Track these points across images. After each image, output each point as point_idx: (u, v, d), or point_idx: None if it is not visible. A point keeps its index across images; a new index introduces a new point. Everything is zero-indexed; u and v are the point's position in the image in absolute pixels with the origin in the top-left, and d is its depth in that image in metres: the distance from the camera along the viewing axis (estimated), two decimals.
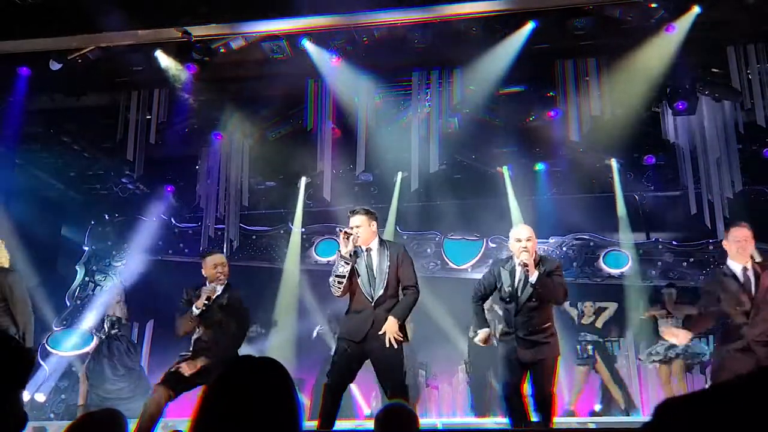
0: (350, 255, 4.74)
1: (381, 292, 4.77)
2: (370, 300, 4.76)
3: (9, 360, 1.67)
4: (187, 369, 4.95)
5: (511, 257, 5.15)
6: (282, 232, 11.41)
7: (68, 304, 10.69)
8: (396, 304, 4.83)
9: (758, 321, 4.73)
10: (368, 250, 4.89)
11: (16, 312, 5.48)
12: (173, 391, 4.94)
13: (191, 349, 5.21)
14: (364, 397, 9.56)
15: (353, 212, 4.94)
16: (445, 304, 10.19)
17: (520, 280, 4.95)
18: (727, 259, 5.06)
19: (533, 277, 4.83)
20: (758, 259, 5.01)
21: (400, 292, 4.93)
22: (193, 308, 5.10)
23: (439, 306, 10.16)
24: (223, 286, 5.27)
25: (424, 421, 4.87)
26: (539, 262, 4.94)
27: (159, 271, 10.41)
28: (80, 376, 8.80)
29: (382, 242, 4.98)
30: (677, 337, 5.18)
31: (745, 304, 4.78)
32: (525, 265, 4.84)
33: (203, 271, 5.30)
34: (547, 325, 4.95)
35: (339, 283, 4.74)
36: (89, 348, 9.33)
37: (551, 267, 4.98)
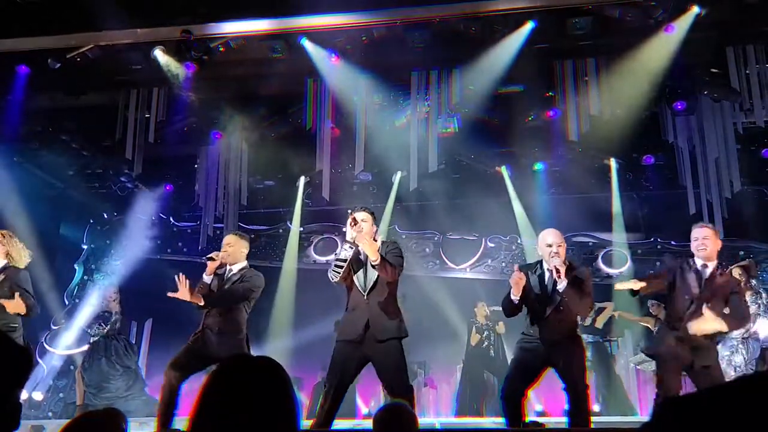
0: (354, 241, 4.74)
1: (373, 280, 4.77)
2: (363, 292, 4.76)
3: (7, 360, 1.67)
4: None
5: (539, 262, 5.04)
6: (281, 231, 11.41)
7: (67, 302, 10.69)
8: (393, 299, 4.84)
9: (694, 317, 4.73)
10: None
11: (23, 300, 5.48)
12: (180, 372, 5.02)
13: (204, 322, 5.27)
14: (363, 396, 9.57)
15: (361, 208, 4.96)
16: (443, 303, 10.20)
17: (548, 285, 4.88)
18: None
19: (561, 285, 4.74)
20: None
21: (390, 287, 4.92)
22: (203, 276, 5.22)
23: (437, 305, 10.17)
24: (238, 267, 5.39)
25: (422, 421, 4.87)
26: (569, 267, 4.84)
27: (157, 270, 10.40)
28: (76, 375, 8.77)
29: (377, 240, 5.00)
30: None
31: (689, 298, 4.82)
32: (557, 270, 4.73)
33: None
34: (572, 332, 4.89)
35: (338, 266, 4.72)
36: (84, 347, 9.30)
37: (582, 275, 4.90)
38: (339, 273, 4.72)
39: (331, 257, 10.74)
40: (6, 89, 8.13)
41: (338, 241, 11.00)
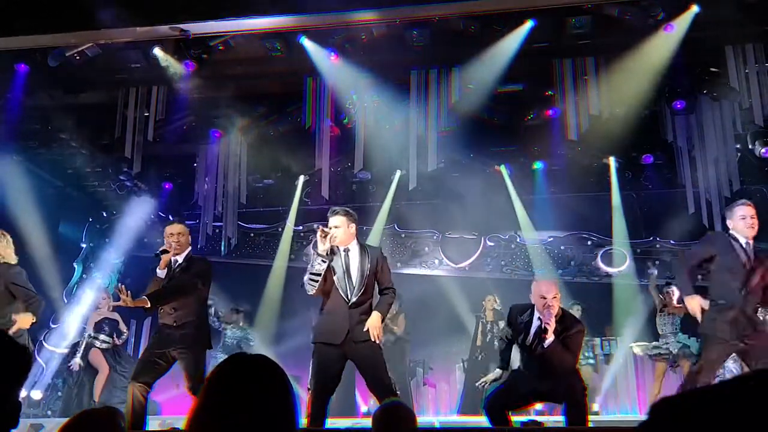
0: (327, 253, 4.71)
1: (359, 293, 4.73)
2: (347, 300, 4.71)
3: (7, 358, 1.67)
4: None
5: (529, 307, 5.02)
6: (280, 229, 11.40)
7: (66, 301, 10.68)
8: (375, 304, 4.84)
9: (752, 292, 4.69)
10: (346, 250, 4.84)
11: (22, 301, 5.46)
12: (144, 384, 4.96)
13: (159, 321, 5.22)
14: (362, 394, 9.57)
15: (334, 212, 4.90)
16: (442, 302, 10.20)
17: (534, 335, 4.87)
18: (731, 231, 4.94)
19: (548, 341, 4.73)
20: None
21: (376, 294, 4.92)
22: (157, 271, 5.16)
23: (436, 304, 10.17)
24: (183, 256, 5.29)
25: (421, 420, 4.87)
26: (560, 320, 4.83)
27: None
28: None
29: (361, 245, 4.95)
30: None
31: (742, 274, 4.74)
32: (545, 330, 4.72)
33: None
34: (567, 370, 4.84)
35: (313, 281, 4.67)
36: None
37: (571, 329, 4.86)
38: (315, 286, 4.68)
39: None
40: (5, 87, 8.13)
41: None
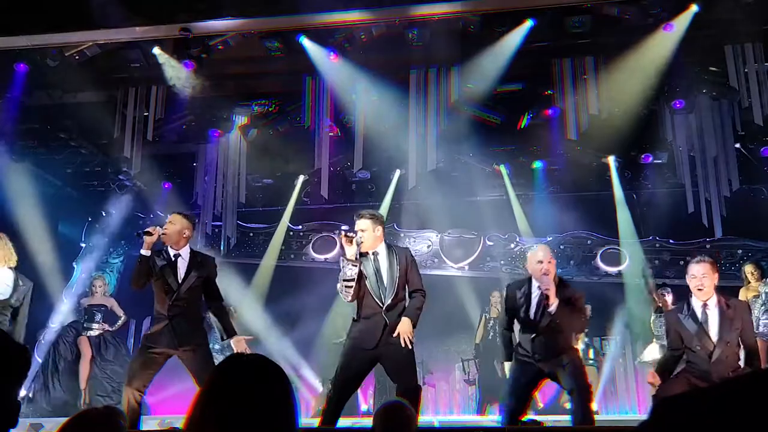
0: (356, 257, 4.68)
1: (392, 296, 4.71)
2: (381, 305, 4.69)
3: (5, 358, 1.67)
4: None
5: (526, 280, 5.02)
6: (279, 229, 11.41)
7: (65, 300, 10.67)
8: (405, 307, 4.80)
9: (720, 360, 4.52)
10: (375, 254, 4.81)
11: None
12: (139, 387, 4.90)
13: (166, 316, 5.07)
14: (363, 393, 9.57)
15: (359, 215, 4.85)
16: (442, 302, 10.19)
17: (537, 304, 4.84)
18: (691, 295, 4.78)
19: (553, 306, 4.70)
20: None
21: (407, 296, 4.88)
22: (141, 251, 5.01)
23: (436, 304, 10.15)
24: (186, 252, 5.17)
25: (421, 419, 4.87)
26: (559, 284, 4.82)
27: None
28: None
29: (389, 246, 4.92)
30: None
31: (707, 345, 4.56)
32: (546, 296, 4.70)
33: None
34: (567, 347, 4.83)
35: (348, 287, 4.64)
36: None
37: (572, 293, 4.85)
38: (350, 292, 4.66)
39: (329, 256, 10.79)
40: (4, 87, 8.12)
41: (337, 240, 10.99)
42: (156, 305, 5.10)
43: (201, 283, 5.12)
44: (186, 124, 9.56)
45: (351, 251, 4.66)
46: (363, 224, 4.78)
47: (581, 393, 4.66)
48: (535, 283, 4.89)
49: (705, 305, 4.63)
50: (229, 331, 5.15)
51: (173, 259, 5.10)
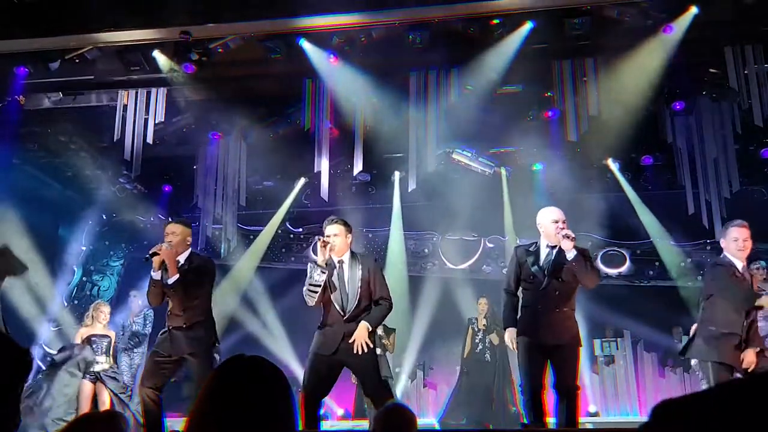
0: (326, 264, 4.69)
1: (354, 305, 4.72)
2: (342, 314, 4.71)
3: (7, 360, 1.66)
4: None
5: (533, 243, 5.06)
6: (279, 232, 11.40)
7: (65, 304, 10.67)
8: (369, 312, 4.80)
9: (753, 318, 4.75)
10: (340, 262, 4.83)
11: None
12: (154, 386, 4.95)
13: (166, 326, 5.16)
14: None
15: (331, 221, 4.87)
16: (442, 304, 10.20)
17: (547, 259, 4.89)
18: (726, 255, 4.95)
19: (571, 253, 4.74)
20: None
21: (372, 305, 4.86)
22: (151, 273, 5.07)
23: (436, 306, 10.17)
24: (184, 257, 5.21)
25: (421, 422, 4.87)
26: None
27: None
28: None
29: (353, 255, 4.92)
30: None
31: (749, 302, 4.78)
32: (571, 238, 4.73)
33: None
34: (569, 309, 4.87)
35: (313, 291, 4.66)
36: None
37: (582, 250, 4.92)
38: (314, 297, 4.68)
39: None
40: (5, 90, 8.12)
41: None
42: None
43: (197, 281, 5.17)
44: (186, 127, 9.57)
45: (323, 257, 4.66)
46: (336, 229, 4.80)
47: (569, 397, 4.69)
48: (544, 242, 4.94)
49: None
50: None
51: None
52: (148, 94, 8.80)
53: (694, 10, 7.24)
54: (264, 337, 10.54)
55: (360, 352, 4.61)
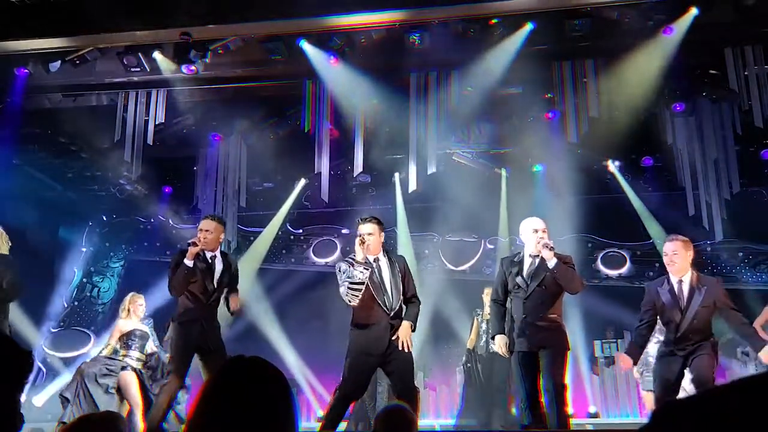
0: (367, 261, 4.69)
1: (398, 303, 4.76)
2: (388, 311, 4.72)
3: (8, 361, 1.66)
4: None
5: (518, 253, 5.17)
6: (280, 233, 11.40)
7: (66, 305, 10.67)
8: (406, 311, 4.86)
9: (685, 335, 4.81)
10: (376, 260, 4.83)
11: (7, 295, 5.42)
12: (182, 381, 5.16)
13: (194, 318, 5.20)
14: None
15: (365, 220, 4.88)
16: (443, 305, 10.18)
17: (530, 269, 4.96)
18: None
19: (552, 262, 4.83)
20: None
21: (405, 303, 4.93)
22: (185, 261, 5.13)
23: (436, 307, 10.16)
24: (218, 253, 5.38)
25: (422, 423, 4.86)
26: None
27: (156, 272, 10.38)
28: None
29: (386, 253, 4.95)
30: None
31: (675, 318, 4.84)
32: (549, 248, 4.83)
33: None
34: (555, 315, 4.93)
35: (357, 290, 4.65)
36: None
37: (563, 257, 5.00)
38: (358, 296, 4.65)
39: (330, 260, 10.77)
40: (5, 91, 8.13)
41: (337, 244, 10.98)
42: (186, 306, 5.21)
43: (229, 280, 5.40)
44: (186, 128, 9.57)
45: (362, 254, 4.65)
46: (370, 228, 4.81)
47: (557, 396, 4.71)
48: (527, 252, 5.03)
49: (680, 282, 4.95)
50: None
51: (210, 261, 5.31)
52: (149, 95, 8.81)
53: (694, 11, 7.25)
54: (263, 336, 10.51)
55: (406, 350, 4.66)
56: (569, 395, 4.97)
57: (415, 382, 4.94)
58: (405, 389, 4.68)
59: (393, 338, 4.67)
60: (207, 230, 5.28)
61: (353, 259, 4.73)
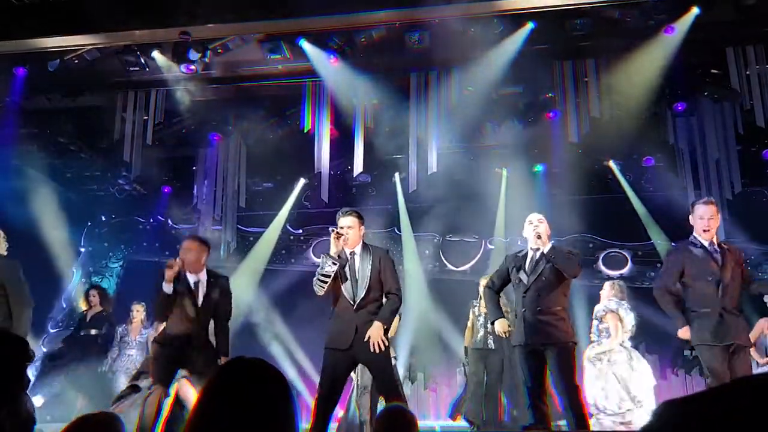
0: (338, 256, 4.70)
1: (362, 295, 4.70)
2: (352, 303, 4.70)
3: (6, 352, 1.65)
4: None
5: (522, 249, 5.23)
6: (280, 233, 11.38)
7: (64, 305, 10.65)
8: (380, 308, 4.78)
9: (729, 291, 4.71)
10: (352, 253, 4.82)
11: (13, 300, 5.36)
12: (166, 387, 5.02)
13: (173, 335, 5.13)
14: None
15: (345, 213, 4.86)
16: (443, 305, 10.17)
17: (531, 262, 5.01)
18: (693, 233, 4.97)
19: (546, 247, 4.92)
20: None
21: (382, 297, 4.85)
22: (163, 285, 5.00)
23: (437, 308, 10.15)
24: (204, 275, 5.23)
25: (422, 424, 4.85)
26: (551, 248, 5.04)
27: (155, 273, 10.35)
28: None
29: (365, 246, 4.91)
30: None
31: (716, 274, 4.74)
32: (539, 236, 4.91)
33: None
34: (557, 308, 4.90)
35: (323, 282, 4.67)
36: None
37: (568, 251, 5.09)
38: (323, 287, 4.69)
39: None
40: (4, 91, 8.12)
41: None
42: (167, 327, 5.19)
43: (215, 305, 5.23)
44: (186, 128, 9.57)
45: (335, 248, 4.67)
46: (349, 221, 4.79)
47: (571, 399, 4.71)
48: (528, 247, 5.11)
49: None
50: (224, 352, 5.22)
51: (193, 286, 5.18)
52: (148, 94, 8.80)
53: (695, 10, 7.25)
54: (263, 337, 10.50)
55: (377, 351, 4.60)
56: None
57: (400, 384, 4.89)
58: (384, 388, 4.69)
59: (365, 339, 4.61)
60: (188, 249, 5.15)
61: (326, 252, 4.76)
